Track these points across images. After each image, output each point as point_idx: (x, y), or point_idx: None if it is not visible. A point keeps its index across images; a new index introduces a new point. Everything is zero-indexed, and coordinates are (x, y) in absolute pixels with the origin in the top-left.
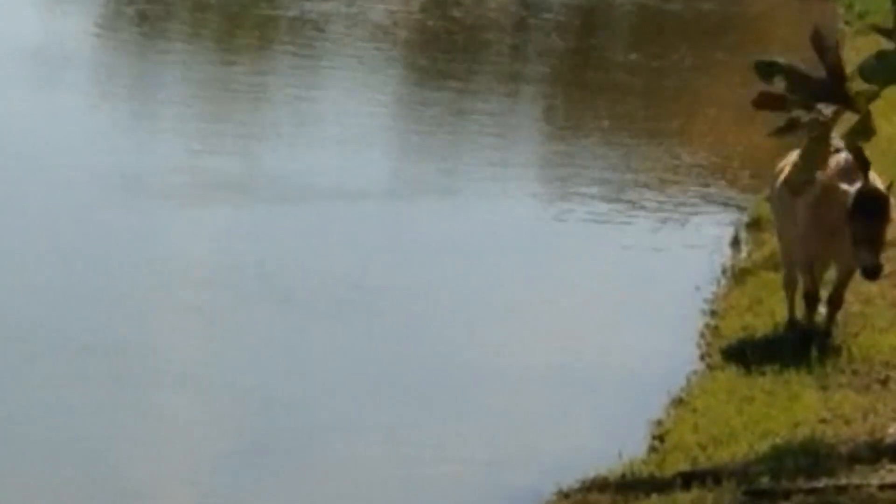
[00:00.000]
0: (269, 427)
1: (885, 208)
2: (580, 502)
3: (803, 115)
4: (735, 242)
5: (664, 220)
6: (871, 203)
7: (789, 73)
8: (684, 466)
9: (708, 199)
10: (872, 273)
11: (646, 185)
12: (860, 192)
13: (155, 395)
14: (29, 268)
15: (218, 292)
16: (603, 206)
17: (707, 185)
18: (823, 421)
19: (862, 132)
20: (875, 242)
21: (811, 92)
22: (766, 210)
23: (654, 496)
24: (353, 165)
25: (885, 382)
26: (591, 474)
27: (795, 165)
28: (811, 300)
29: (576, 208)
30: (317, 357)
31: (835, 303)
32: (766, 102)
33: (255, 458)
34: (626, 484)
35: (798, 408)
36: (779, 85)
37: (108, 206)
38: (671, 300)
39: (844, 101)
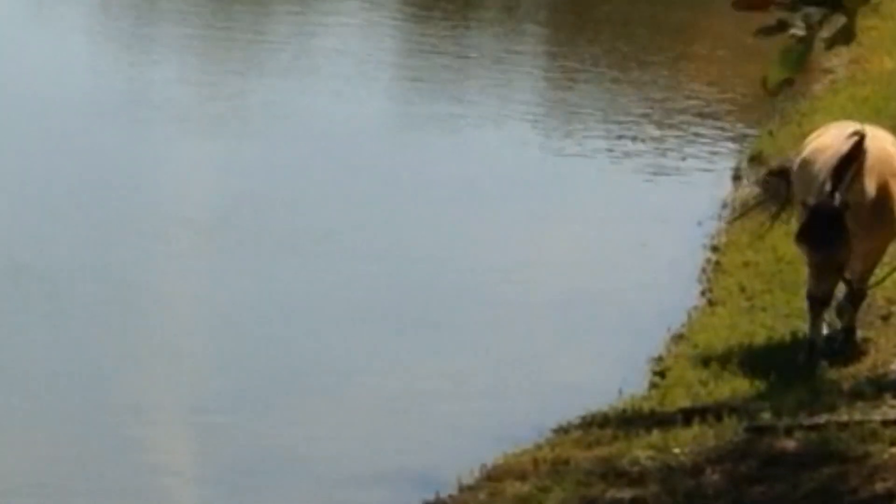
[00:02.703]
0: (272, 360)
1: (836, 230)
2: (581, 438)
3: (791, 17)
4: (737, 177)
5: (665, 155)
6: (821, 225)
7: None
8: (685, 402)
9: (709, 134)
10: (814, 301)
11: (647, 121)
12: (812, 211)
13: (148, 326)
14: (23, 196)
15: (211, 225)
16: (604, 142)
17: (709, 120)
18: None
19: (844, 35)
20: (825, 267)
21: None
22: (767, 145)
23: (655, 432)
24: (354, 103)
25: (886, 318)
26: (592, 410)
27: (772, 63)
28: (814, 303)
29: (577, 143)
30: (317, 291)
31: (854, 299)
32: (748, 4)
33: (255, 390)
34: (627, 420)
35: (799, 344)
36: None
37: (103, 136)
38: (672, 235)
39: (832, 3)
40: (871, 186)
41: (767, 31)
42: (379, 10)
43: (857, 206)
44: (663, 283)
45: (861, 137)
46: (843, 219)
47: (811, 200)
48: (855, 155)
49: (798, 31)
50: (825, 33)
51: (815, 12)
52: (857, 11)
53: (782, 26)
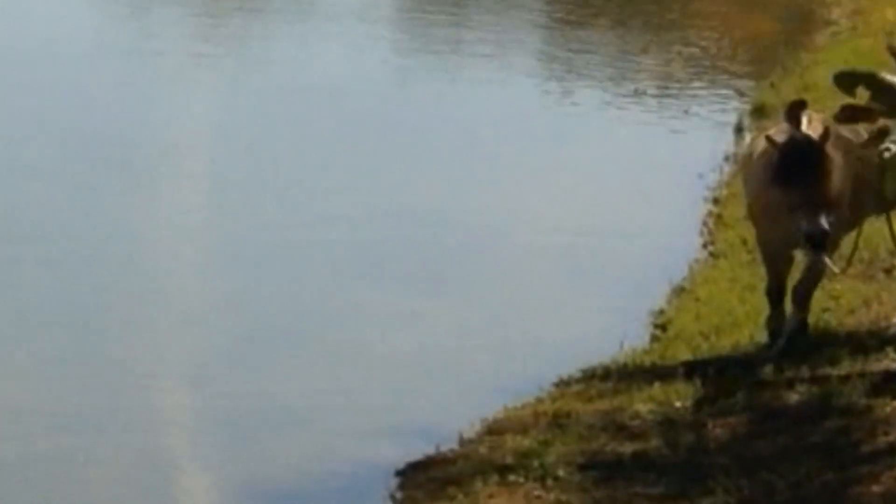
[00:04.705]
0: (271, 313)
1: (820, 160)
2: (582, 392)
3: (891, 124)
4: (738, 129)
5: (667, 107)
6: (801, 156)
7: (871, 82)
8: (686, 356)
9: (711, 86)
10: (816, 241)
11: (649, 72)
12: (786, 143)
13: (142, 280)
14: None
15: (207, 176)
16: (606, 93)
17: (710, 72)
18: (827, 310)
19: None
20: (815, 203)
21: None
22: (769, 97)
23: (657, 385)
24: (352, 54)
25: (889, 271)
26: (593, 363)
27: (885, 178)
28: (772, 297)
29: (579, 94)
30: (316, 243)
31: (797, 301)
32: (851, 116)
33: (254, 344)
34: (628, 373)
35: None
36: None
37: (98, 84)
38: (674, 187)
39: None
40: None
41: (870, 143)
42: None
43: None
44: (664, 236)
45: (798, 102)
46: (823, 150)
47: (780, 138)
48: (795, 113)
49: (892, 145)
50: None
51: None
52: None
53: (881, 134)
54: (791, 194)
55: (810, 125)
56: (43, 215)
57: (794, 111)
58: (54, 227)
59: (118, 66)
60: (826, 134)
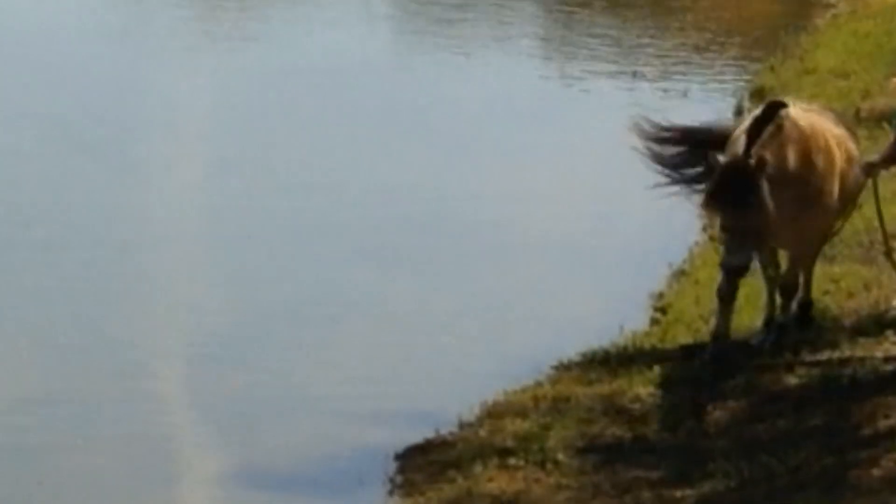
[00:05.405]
0: (272, 299)
1: (751, 190)
2: (581, 375)
3: None
4: (738, 112)
5: (666, 90)
6: (733, 184)
7: None
8: (686, 339)
9: (711, 69)
10: (728, 273)
11: (649, 56)
12: (723, 169)
13: (144, 264)
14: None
15: (206, 160)
16: (605, 77)
17: (710, 55)
18: (827, 293)
19: None
20: (741, 233)
21: None
22: (770, 79)
23: (656, 368)
24: (352, 34)
25: (888, 254)
26: (593, 347)
27: None
28: (730, 274)
29: (578, 78)
30: (316, 227)
31: (785, 290)
32: None
33: (254, 329)
34: (628, 356)
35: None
36: None
37: (106, 67)
38: None
39: None
40: (793, 156)
41: None
42: None
43: (779, 175)
44: (664, 219)
45: (776, 102)
46: (758, 179)
47: (722, 160)
48: (770, 116)
49: None
50: None
51: None
52: None
53: None
54: (722, 217)
55: (773, 138)
56: (39, 198)
57: (758, 126)
58: (51, 209)
59: (116, 48)
60: (762, 162)
